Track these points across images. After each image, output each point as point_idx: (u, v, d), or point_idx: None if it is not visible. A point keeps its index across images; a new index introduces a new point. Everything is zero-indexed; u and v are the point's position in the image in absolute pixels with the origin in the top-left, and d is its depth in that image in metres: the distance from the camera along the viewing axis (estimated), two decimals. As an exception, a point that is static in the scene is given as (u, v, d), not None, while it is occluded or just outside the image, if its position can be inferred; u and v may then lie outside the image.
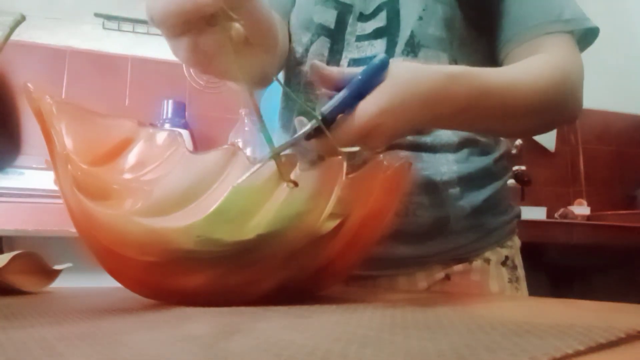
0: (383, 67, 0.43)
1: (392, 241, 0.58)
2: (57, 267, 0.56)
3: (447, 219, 0.60)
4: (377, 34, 0.62)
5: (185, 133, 1.62)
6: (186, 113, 1.75)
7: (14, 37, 0.56)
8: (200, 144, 1.73)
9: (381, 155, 0.42)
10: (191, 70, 1.80)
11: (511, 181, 1.93)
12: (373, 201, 0.39)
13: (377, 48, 0.61)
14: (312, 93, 0.64)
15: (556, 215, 1.99)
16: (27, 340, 0.23)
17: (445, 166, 0.60)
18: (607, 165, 2.32)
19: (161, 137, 0.48)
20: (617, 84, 2.26)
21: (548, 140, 2.20)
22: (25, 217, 1.12)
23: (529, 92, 0.52)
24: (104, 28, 1.78)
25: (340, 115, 0.42)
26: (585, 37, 0.62)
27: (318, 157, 0.45)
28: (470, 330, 0.24)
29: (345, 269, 0.43)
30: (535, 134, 1.57)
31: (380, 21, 0.62)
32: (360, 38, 0.62)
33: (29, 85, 0.37)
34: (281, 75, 0.70)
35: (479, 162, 0.62)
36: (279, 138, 0.69)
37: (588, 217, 2.07)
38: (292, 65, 0.67)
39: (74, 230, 0.37)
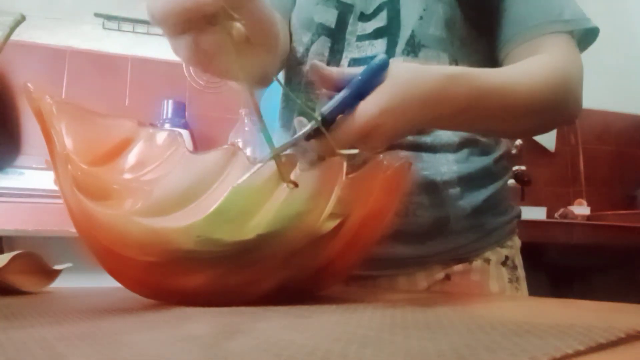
0: (383, 67, 0.43)
1: (392, 241, 0.58)
2: (57, 267, 0.56)
3: (447, 219, 0.60)
4: (377, 33, 0.62)
5: (185, 133, 1.62)
6: (186, 113, 1.75)
7: (14, 37, 0.56)
8: (200, 144, 1.73)
9: (381, 155, 0.42)
10: (191, 70, 1.80)
11: (511, 181, 1.93)
12: (373, 201, 0.39)
13: (378, 48, 0.61)
14: (313, 93, 0.64)
15: (556, 215, 1.99)
16: (27, 340, 0.23)
17: (445, 166, 0.60)
18: (607, 165, 2.32)
19: (161, 137, 0.48)
20: (617, 84, 2.26)
21: (548, 140, 2.19)
22: (25, 217, 1.12)
23: (529, 92, 0.52)
24: (104, 28, 1.78)
25: (340, 116, 0.42)
26: (586, 37, 0.62)
27: (318, 157, 0.45)
28: (470, 330, 0.24)
29: (345, 269, 0.43)
30: (535, 134, 1.57)
31: (380, 21, 0.62)
32: (360, 38, 0.62)
33: (29, 85, 0.37)
34: (281, 75, 0.70)
35: (479, 162, 0.62)
36: (279, 138, 0.69)
37: (588, 217, 2.07)
38: (292, 64, 0.67)
39: (74, 230, 0.37)
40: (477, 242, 0.62)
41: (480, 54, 0.63)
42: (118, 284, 0.39)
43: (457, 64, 0.61)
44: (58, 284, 0.57)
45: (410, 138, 0.60)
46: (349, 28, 0.63)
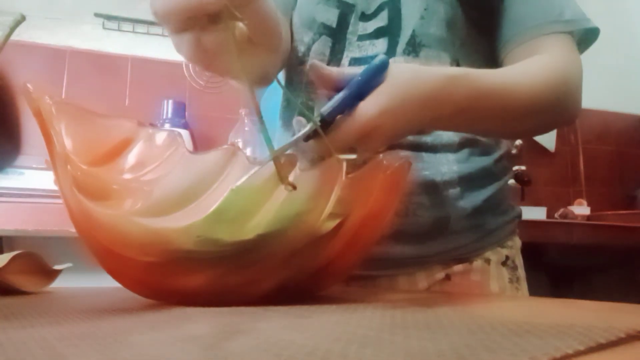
0: (383, 67, 0.43)
1: (392, 241, 0.58)
2: (57, 267, 0.56)
3: (447, 219, 0.60)
4: (378, 33, 0.62)
5: (185, 133, 1.62)
6: (186, 113, 1.75)
7: (14, 37, 0.56)
8: (200, 144, 1.73)
9: (381, 155, 0.42)
10: (191, 71, 1.80)
11: (511, 181, 1.92)
12: (373, 201, 0.39)
13: (379, 47, 0.61)
14: (314, 92, 0.64)
15: (556, 215, 1.99)
16: (27, 340, 0.23)
17: (445, 166, 0.60)
18: (607, 165, 2.32)
19: (161, 137, 0.48)
20: (617, 84, 2.26)
21: (548, 140, 2.19)
22: (25, 217, 1.12)
23: (529, 93, 0.52)
24: (104, 28, 1.78)
25: (339, 116, 0.42)
26: (586, 37, 0.62)
27: (318, 156, 0.45)
28: (470, 330, 0.24)
29: (345, 269, 0.43)
30: (534, 135, 1.58)
31: (381, 21, 0.62)
32: (361, 37, 0.62)
33: (29, 85, 0.37)
34: (282, 74, 0.70)
35: (479, 162, 0.62)
36: (280, 137, 0.69)
37: (588, 217, 2.07)
38: (294, 64, 0.67)
39: (74, 230, 0.37)
40: (478, 242, 0.62)
41: (480, 54, 0.63)
42: (118, 284, 0.39)
43: (457, 64, 0.61)
44: (58, 284, 0.57)
45: (410, 138, 0.60)
46: (350, 28, 0.63)
